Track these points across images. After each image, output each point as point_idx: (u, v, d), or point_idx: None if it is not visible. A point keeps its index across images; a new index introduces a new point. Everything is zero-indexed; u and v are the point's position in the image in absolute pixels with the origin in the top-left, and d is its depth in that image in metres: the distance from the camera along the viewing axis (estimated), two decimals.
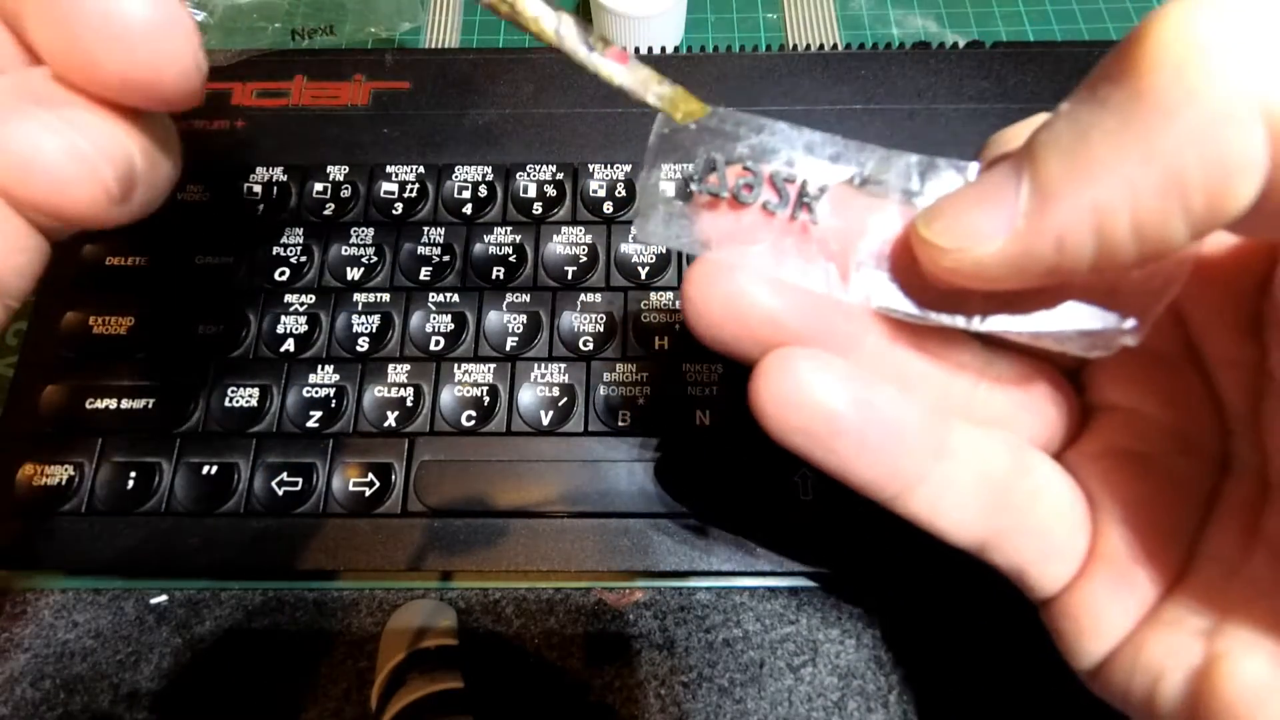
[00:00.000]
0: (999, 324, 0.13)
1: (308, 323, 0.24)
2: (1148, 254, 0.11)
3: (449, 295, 0.25)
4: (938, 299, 0.13)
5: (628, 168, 0.27)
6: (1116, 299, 0.13)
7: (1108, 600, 0.14)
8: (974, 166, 0.13)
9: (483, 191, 0.26)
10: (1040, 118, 0.12)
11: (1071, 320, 0.13)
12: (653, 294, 0.25)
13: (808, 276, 0.14)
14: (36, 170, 0.11)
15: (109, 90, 0.12)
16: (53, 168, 0.11)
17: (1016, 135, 0.14)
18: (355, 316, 0.25)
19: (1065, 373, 0.16)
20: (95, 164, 0.11)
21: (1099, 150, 0.10)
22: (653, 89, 0.13)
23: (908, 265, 0.13)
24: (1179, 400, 0.15)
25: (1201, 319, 0.14)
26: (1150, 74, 0.10)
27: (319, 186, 0.26)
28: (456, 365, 0.24)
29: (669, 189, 0.14)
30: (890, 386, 0.14)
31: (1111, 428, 0.15)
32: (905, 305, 0.14)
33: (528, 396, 0.23)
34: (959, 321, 0.13)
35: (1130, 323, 0.12)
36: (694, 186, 0.14)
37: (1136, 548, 0.14)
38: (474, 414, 0.23)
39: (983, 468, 0.15)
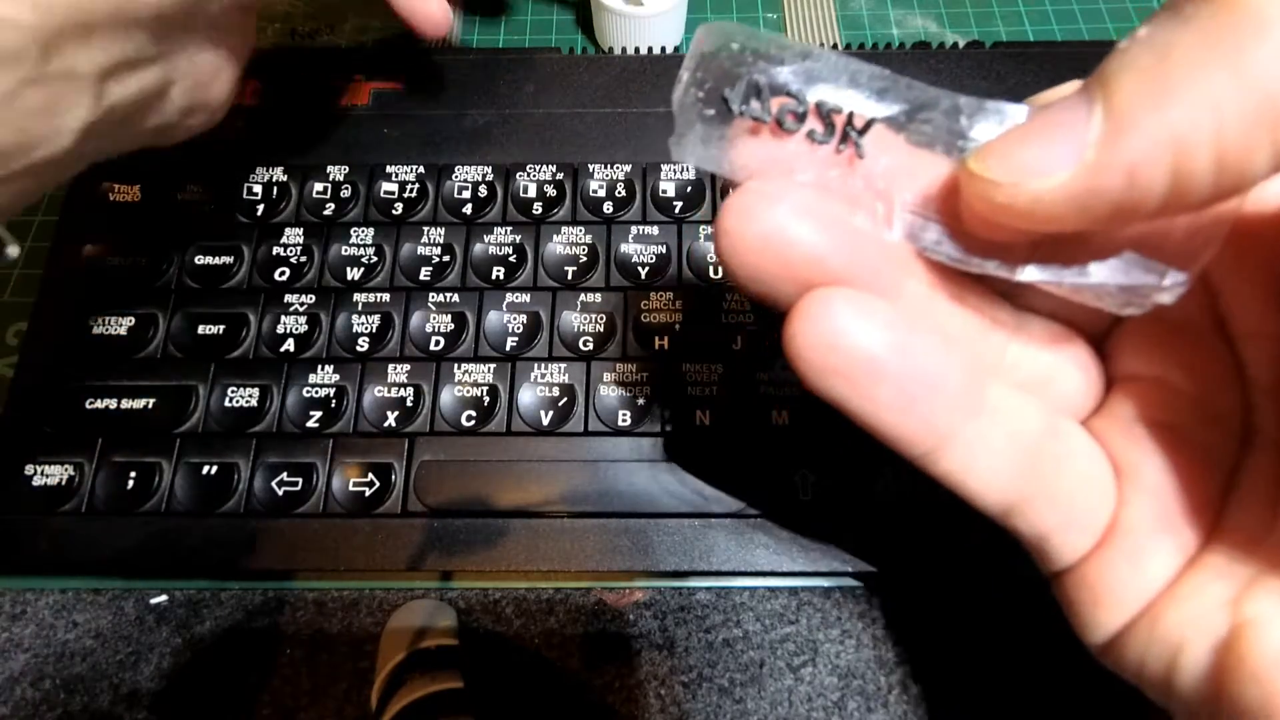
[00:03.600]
0: (1038, 274, 0.13)
1: (308, 323, 0.24)
2: (1224, 188, 0.10)
3: (449, 295, 0.25)
4: (979, 245, 0.13)
5: (628, 168, 0.27)
6: (1158, 255, 0.12)
7: (1127, 571, 0.14)
8: (1025, 109, 0.13)
9: (483, 191, 0.26)
10: (1077, 83, 0.12)
11: (1112, 274, 0.12)
12: (653, 294, 0.25)
13: (851, 212, 0.13)
14: None
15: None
16: None
17: (1066, 90, 0.13)
18: (355, 316, 0.25)
19: (1090, 341, 0.16)
20: None
21: (1181, 71, 0.10)
22: None
23: (952, 208, 0.13)
24: (1204, 371, 0.14)
25: (1231, 289, 0.14)
26: None
27: (319, 186, 0.26)
28: (456, 365, 0.24)
29: (709, 109, 0.13)
30: (932, 336, 0.13)
31: (1136, 397, 0.15)
32: (948, 249, 0.13)
33: (528, 396, 0.23)
34: (1000, 269, 0.13)
35: (1170, 279, 0.12)
36: (736, 109, 0.13)
37: (1160, 517, 0.14)
38: (474, 414, 0.23)
39: (1015, 428, 0.14)
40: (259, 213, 0.26)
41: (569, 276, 0.25)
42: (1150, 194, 0.10)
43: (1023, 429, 0.14)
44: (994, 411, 0.14)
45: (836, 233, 0.13)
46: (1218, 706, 0.12)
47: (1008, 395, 0.14)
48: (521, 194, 0.26)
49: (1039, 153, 0.11)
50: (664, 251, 0.25)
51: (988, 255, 0.13)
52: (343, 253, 0.25)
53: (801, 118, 0.13)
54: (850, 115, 0.13)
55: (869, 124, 0.13)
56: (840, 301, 0.12)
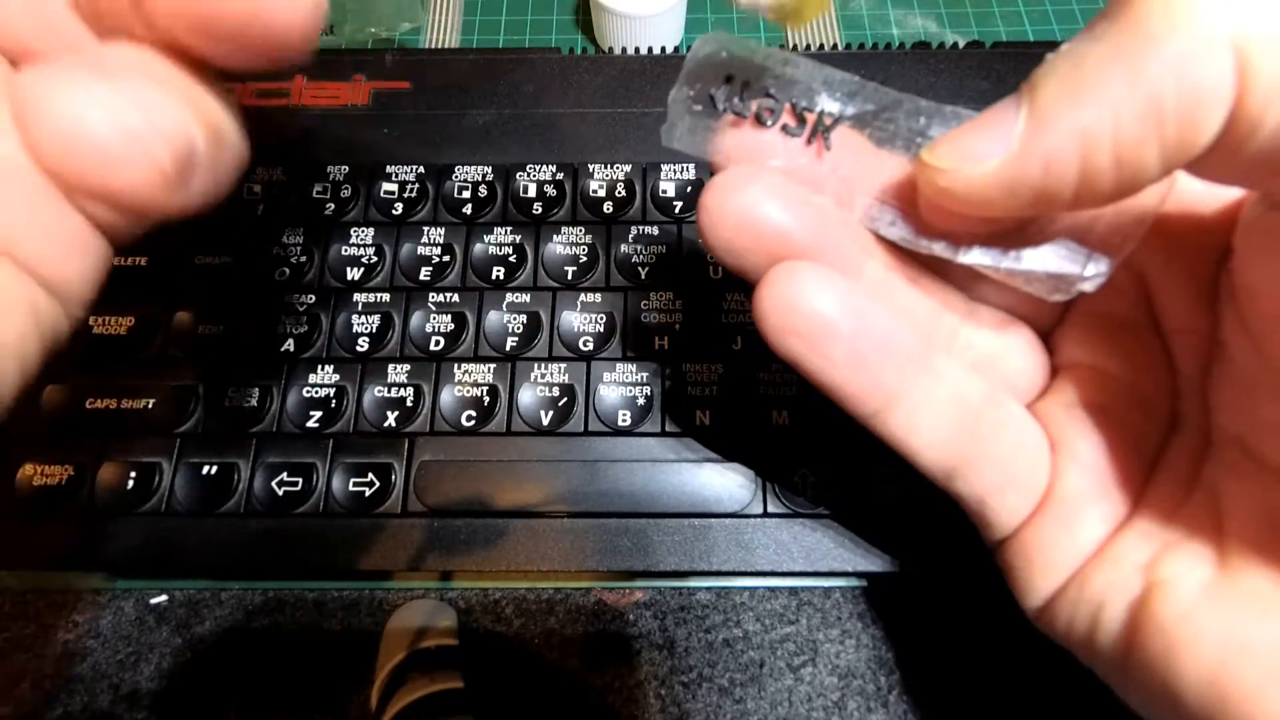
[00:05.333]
0: (978, 257, 0.14)
1: (308, 323, 0.24)
2: (1125, 182, 0.12)
3: (449, 295, 0.25)
4: (929, 230, 0.15)
5: (628, 168, 0.27)
6: (1082, 248, 0.14)
7: (1059, 537, 0.16)
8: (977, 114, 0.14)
9: (483, 191, 0.26)
10: None
11: (1041, 262, 0.14)
12: (653, 294, 0.25)
13: (816, 194, 0.15)
14: (82, 145, 0.10)
15: (225, 32, 0.11)
16: (99, 142, 0.10)
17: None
18: (355, 316, 0.25)
19: (1037, 334, 0.17)
20: (146, 139, 0.11)
21: (1090, 77, 0.11)
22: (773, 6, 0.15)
23: (907, 195, 0.15)
24: (1138, 362, 0.16)
25: (1164, 290, 0.16)
26: (1140, 9, 0.11)
27: (319, 186, 0.26)
28: (456, 365, 0.24)
29: (698, 105, 0.15)
30: (884, 306, 0.15)
31: (1076, 383, 0.16)
32: (900, 231, 0.15)
33: (528, 396, 0.23)
34: (945, 250, 0.15)
35: (1091, 270, 0.14)
36: (721, 105, 0.15)
37: (1090, 488, 0.16)
38: (474, 414, 0.23)
39: (958, 394, 0.16)
40: (259, 213, 0.26)
41: (569, 276, 0.25)
42: (1064, 184, 0.12)
43: (965, 396, 0.16)
44: (939, 378, 0.16)
45: (804, 214, 0.15)
46: (1129, 656, 0.14)
47: (953, 366, 0.16)
48: (521, 194, 0.26)
49: (975, 143, 0.13)
50: (664, 251, 0.25)
51: (935, 238, 0.15)
52: (343, 253, 0.25)
53: (777, 114, 0.15)
54: (821, 113, 0.15)
55: (836, 121, 0.15)
56: (802, 271, 0.14)
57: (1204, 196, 0.15)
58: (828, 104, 0.15)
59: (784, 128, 0.15)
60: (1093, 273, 0.14)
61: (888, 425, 0.16)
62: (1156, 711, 0.14)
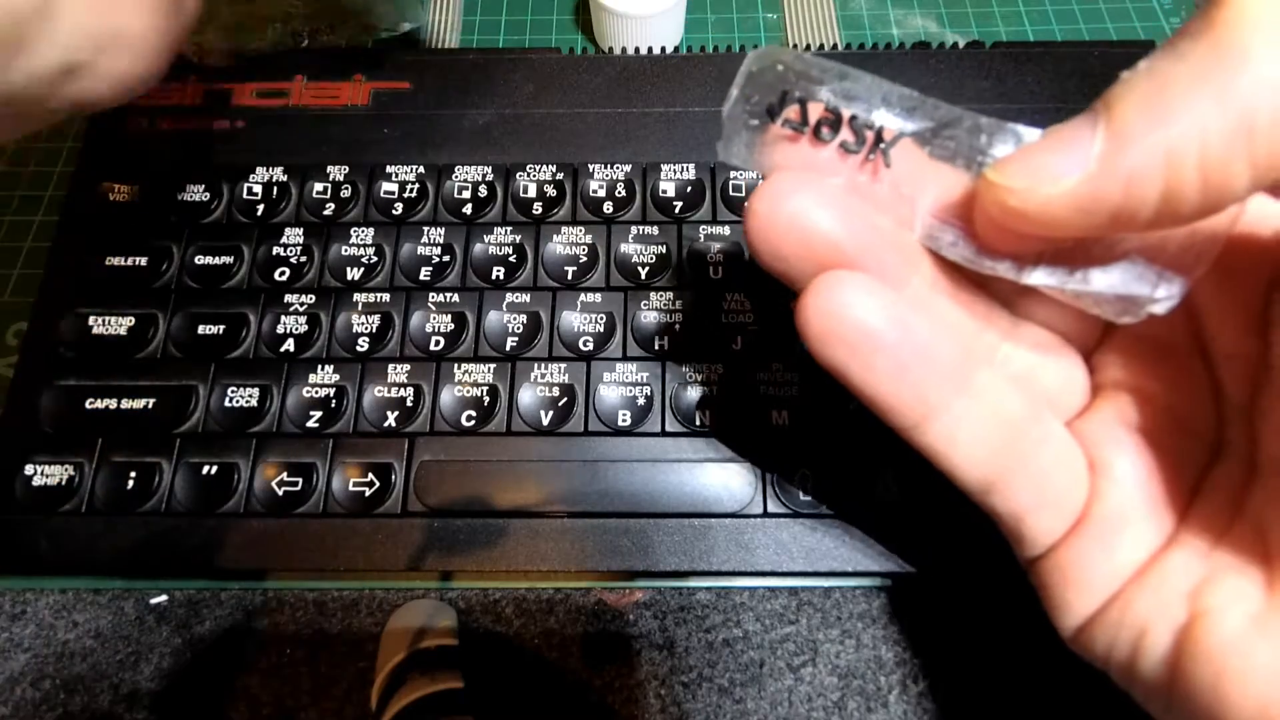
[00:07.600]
0: (1044, 278, 0.14)
1: (308, 323, 0.24)
2: (1210, 202, 0.11)
3: (449, 295, 0.25)
4: (991, 250, 0.14)
5: (628, 168, 0.27)
6: (1153, 268, 0.14)
7: (1097, 557, 0.15)
8: (1039, 132, 0.14)
9: (483, 191, 0.26)
10: None
11: (1110, 283, 0.14)
12: (653, 294, 0.25)
13: (876, 213, 0.15)
14: None
15: None
16: None
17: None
18: (355, 316, 0.25)
19: (1080, 353, 0.17)
20: None
21: (1176, 95, 0.11)
22: None
23: (969, 215, 0.14)
24: (1181, 385, 0.16)
25: (1215, 313, 0.15)
26: (1230, 25, 0.11)
27: (319, 186, 0.26)
28: (456, 365, 0.24)
29: (754, 120, 0.15)
30: (929, 318, 0.15)
31: (1117, 404, 0.16)
32: (963, 251, 0.15)
33: (528, 396, 0.23)
34: (1009, 271, 0.14)
35: (1163, 291, 0.13)
36: (779, 120, 0.15)
37: (1128, 510, 0.15)
38: (474, 414, 0.23)
39: (998, 409, 0.15)
40: (259, 213, 0.26)
41: (569, 276, 0.25)
42: (1144, 204, 0.12)
43: (1005, 410, 0.16)
44: (980, 392, 0.15)
45: (852, 223, 0.14)
46: (1174, 685, 0.14)
47: (994, 381, 0.16)
48: (521, 194, 0.26)
49: (1049, 162, 0.12)
50: (664, 251, 0.25)
51: (999, 259, 0.14)
52: (343, 253, 0.25)
53: (836, 130, 0.15)
54: (880, 129, 0.15)
55: (897, 138, 0.15)
56: (849, 280, 0.14)
57: (1260, 218, 0.14)
58: (887, 120, 0.15)
59: (842, 145, 0.15)
60: (1164, 294, 0.13)
61: (926, 438, 0.15)
62: None
